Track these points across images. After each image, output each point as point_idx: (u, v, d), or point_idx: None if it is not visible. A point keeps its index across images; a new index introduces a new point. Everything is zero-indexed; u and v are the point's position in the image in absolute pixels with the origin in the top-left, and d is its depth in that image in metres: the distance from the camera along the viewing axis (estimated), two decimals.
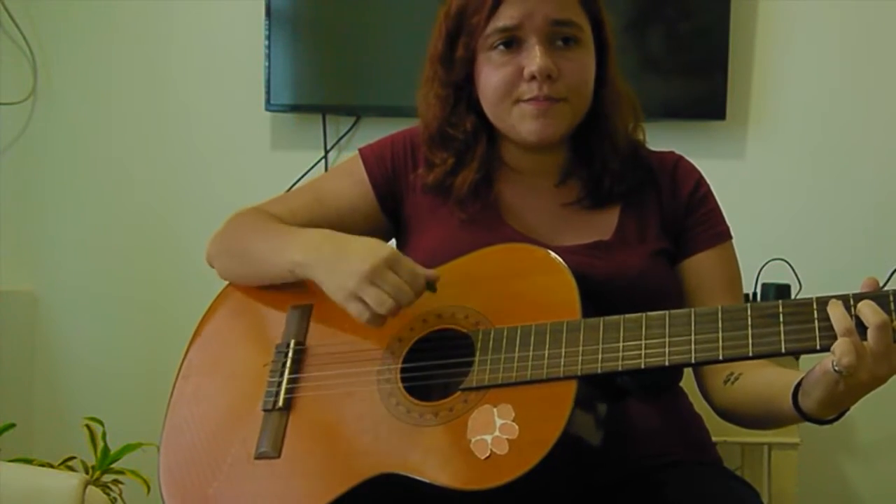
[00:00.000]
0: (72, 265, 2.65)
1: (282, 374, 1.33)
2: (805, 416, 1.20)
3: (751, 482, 1.39)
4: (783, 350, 1.12)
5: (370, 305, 1.25)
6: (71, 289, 2.66)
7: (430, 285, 1.29)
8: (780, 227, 2.44)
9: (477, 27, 1.37)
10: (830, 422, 1.20)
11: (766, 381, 1.30)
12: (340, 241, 1.33)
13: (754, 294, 2.19)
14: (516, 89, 1.37)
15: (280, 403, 1.31)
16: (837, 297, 1.12)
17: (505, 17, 1.36)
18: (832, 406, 1.16)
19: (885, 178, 2.43)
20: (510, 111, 1.38)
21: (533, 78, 1.35)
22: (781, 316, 1.13)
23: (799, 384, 1.19)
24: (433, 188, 1.45)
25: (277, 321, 1.39)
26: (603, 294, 1.27)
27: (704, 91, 2.43)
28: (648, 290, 1.35)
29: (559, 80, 1.36)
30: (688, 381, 1.44)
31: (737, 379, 1.34)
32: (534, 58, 1.35)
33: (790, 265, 2.25)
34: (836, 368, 1.09)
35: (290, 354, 1.34)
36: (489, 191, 1.43)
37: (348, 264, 1.27)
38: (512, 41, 1.37)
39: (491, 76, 1.38)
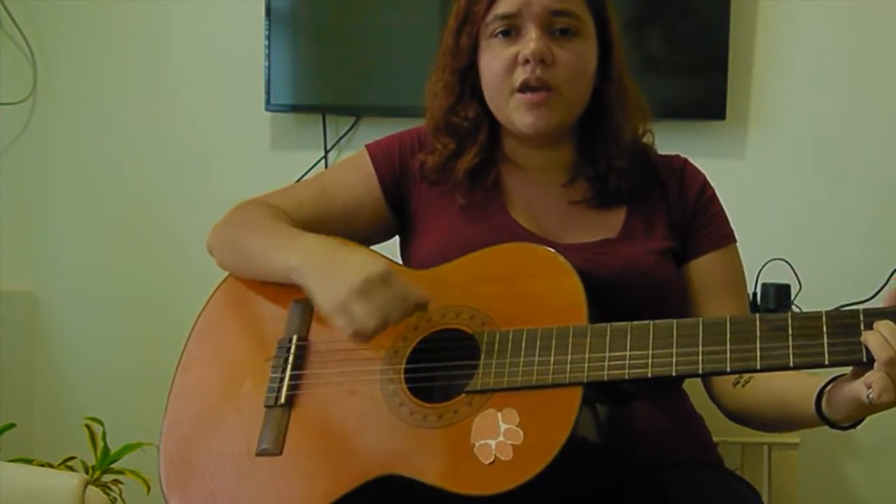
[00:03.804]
0: (72, 265, 2.65)
1: (284, 371, 1.33)
2: (830, 424, 1.20)
3: (751, 482, 1.39)
4: (791, 365, 1.12)
5: (356, 319, 1.23)
6: (71, 289, 2.65)
7: (421, 306, 1.27)
8: (780, 227, 2.44)
9: (478, 15, 1.40)
10: (852, 427, 1.20)
11: (782, 386, 1.30)
12: (337, 249, 1.30)
13: (754, 294, 2.19)
14: (512, 76, 1.38)
15: (282, 400, 1.30)
16: (849, 314, 1.11)
17: (504, 5, 1.38)
18: (855, 418, 1.17)
19: (885, 178, 2.43)
20: (508, 101, 1.40)
21: (527, 62, 1.36)
22: (790, 329, 1.13)
23: (821, 392, 1.19)
24: (434, 173, 1.45)
25: (279, 315, 1.39)
26: (610, 291, 1.27)
27: (704, 91, 2.43)
28: (655, 287, 1.35)
29: (553, 66, 1.37)
30: (689, 381, 1.44)
31: (747, 382, 1.35)
32: (528, 42, 1.37)
33: (790, 265, 2.25)
34: (873, 402, 1.08)
35: (293, 350, 1.34)
36: (489, 175, 1.44)
37: (341, 274, 1.24)
38: (511, 30, 1.39)
39: (491, 64, 1.40)
